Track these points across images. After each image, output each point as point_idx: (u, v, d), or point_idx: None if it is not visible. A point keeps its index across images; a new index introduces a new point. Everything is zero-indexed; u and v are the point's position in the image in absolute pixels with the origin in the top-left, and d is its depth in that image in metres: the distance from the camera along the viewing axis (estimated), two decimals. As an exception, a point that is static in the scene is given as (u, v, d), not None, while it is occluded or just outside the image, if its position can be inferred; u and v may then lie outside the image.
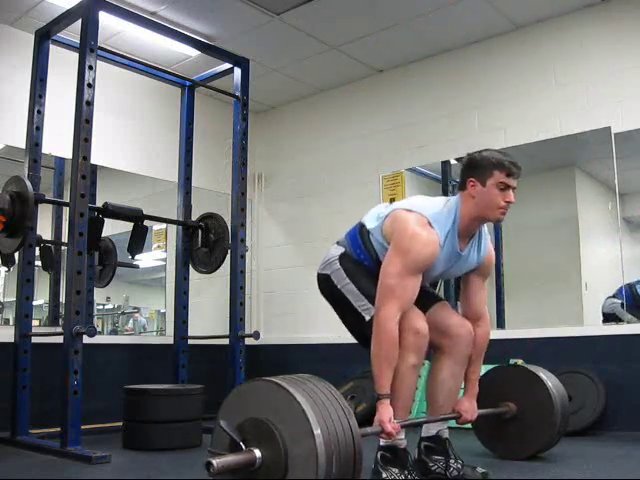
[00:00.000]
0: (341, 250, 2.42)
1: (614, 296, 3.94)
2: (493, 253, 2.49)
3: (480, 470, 2.28)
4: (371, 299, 2.25)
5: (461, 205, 2.28)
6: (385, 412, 2.12)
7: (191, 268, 4.10)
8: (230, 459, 1.68)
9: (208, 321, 4.53)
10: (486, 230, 2.44)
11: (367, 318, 2.26)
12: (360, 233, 2.40)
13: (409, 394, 2.26)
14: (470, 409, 2.44)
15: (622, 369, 3.64)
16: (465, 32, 4.42)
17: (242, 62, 3.96)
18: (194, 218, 4.10)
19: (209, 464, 1.62)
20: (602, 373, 3.64)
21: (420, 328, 2.20)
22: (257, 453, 1.69)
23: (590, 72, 4.05)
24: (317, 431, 1.61)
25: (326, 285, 2.42)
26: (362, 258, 2.37)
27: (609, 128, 3.90)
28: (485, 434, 2.86)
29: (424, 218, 2.21)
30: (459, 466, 2.29)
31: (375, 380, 2.15)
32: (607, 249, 4.06)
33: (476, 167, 2.27)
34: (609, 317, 3.93)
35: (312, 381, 1.79)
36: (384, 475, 2.19)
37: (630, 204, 3.99)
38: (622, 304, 3.85)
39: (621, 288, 3.90)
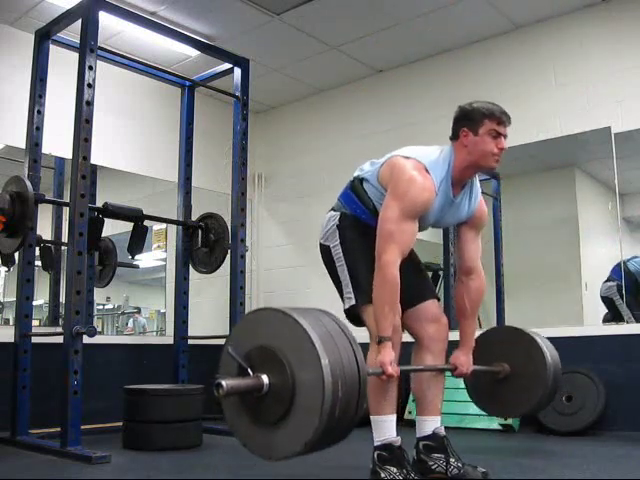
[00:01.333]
0: (337, 215, 2.42)
1: (609, 279, 3.96)
2: (485, 208, 2.51)
3: (481, 469, 2.28)
4: (356, 288, 2.30)
5: (454, 155, 2.32)
6: (387, 354, 2.15)
7: (191, 268, 4.10)
8: (239, 382, 1.74)
9: (208, 321, 4.53)
10: (478, 183, 2.47)
11: (345, 306, 2.35)
12: (352, 188, 2.44)
13: (390, 388, 2.28)
14: (466, 362, 2.45)
15: (622, 369, 3.65)
16: (465, 32, 4.43)
17: (242, 62, 3.96)
18: (194, 218, 4.10)
19: (219, 385, 1.68)
20: (602, 373, 3.63)
21: (396, 325, 2.25)
22: (265, 379, 1.75)
23: (590, 72, 4.05)
24: (325, 360, 1.64)
25: (326, 257, 2.44)
26: (358, 213, 2.39)
27: (609, 128, 3.91)
28: (479, 394, 2.83)
29: (421, 164, 2.26)
30: (460, 465, 2.29)
31: (377, 323, 2.18)
32: (607, 249, 4.06)
33: (468, 117, 2.31)
34: (606, 301, 3.94)
35: (320, 312, 1.83)
36: (383, 475, 2.19)
37: (630, 204, 3.99)
38: (618, 285, 3.85)
39: (614, 269, 3.92)
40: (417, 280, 2.48)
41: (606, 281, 3.98)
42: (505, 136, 2.31)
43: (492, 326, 3.56)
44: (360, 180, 2.43)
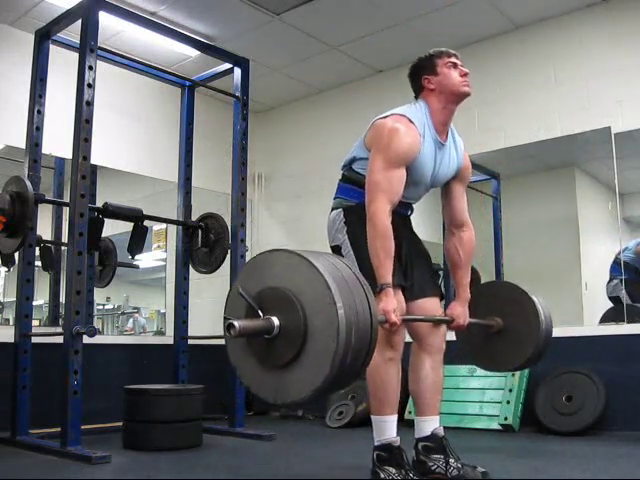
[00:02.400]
0: (340, 212, 2.41)
1: (611, 279, 3.96)
2: (469, 161, 2.56)
3: (480, 469, 2.28)
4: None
5: (427, 103, 2.37)
6: (389, 302, 2.14)
7: (191, 268, 4.10)
8: (251, 323, 1.73)
9: (208, 321, 4.53)
10: (458, 136, 2.50)
11: None
12: (344, 179, 2.45)
13: (391, 388, 2.28)
14: (462, 314, 2.45)
15: (622, 369, 3.64)
16: (465, 32, 4.42)
17: (242, 62, 3.96)
18: (194, 218, 4.10)
19: (231, 325, 1.66)
20: (602, 373, 3.63)
21: (397, 323, 2.24)
22: (276, 321, 1.73)
23: (590, 72, 4.05)
24: (340, 305, 1.63)
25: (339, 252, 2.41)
26: (356, 197, 2.38)
27: (609, 128, 3.91)
28: (471, 347, 2.81)
29: (401, 116, 2.30)
30: (459, 465, 2.29)
31: (376, 272, 2.17)
32: (607, 249, 4.06)
33: (422, 67, 2.39)
34: (614, 300, 3.93)
35: (334, 257, 1.82)
36: (382, 475, 2.19)
37: (630, 204, 4.00)
38: (621, 281, 3.85)
39: (612, 267, 3.94)
40: (422, 271, 2.46)
41: (609, 281, 3.97)
42: (462, 65, 2.38)
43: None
44: (349, 164, 2.43)
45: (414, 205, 2.53)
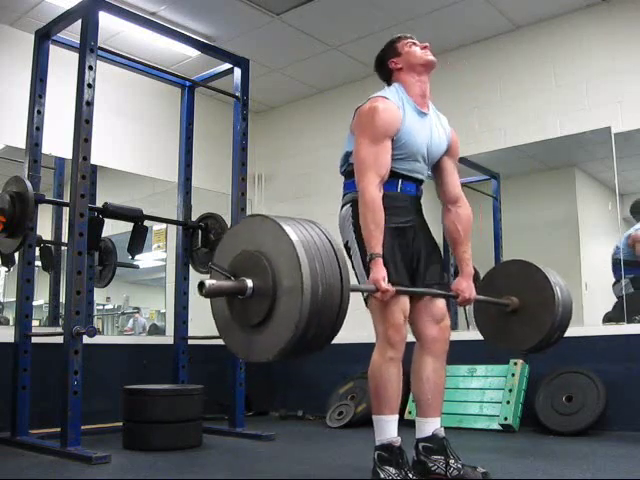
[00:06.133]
0: (348, 207, 2.42)
1: (617, 280, 3.95)
2: (456, 135, 2.60)
3: (481, 470, 2.28)
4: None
5: (399, 84, 2.48)
6: (379, 271, 2.18)
7: (191, 268, 4.10)
8: (222, 283, 1.81)
9: (208, 321, 4.52)
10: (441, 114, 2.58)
11: (364, 297, 2.34)
12: (345, 175, 2.47)
13: (392, 387, 2.28)
14: (467, 288, 2.46)
15: (622, 369, 3.65)
16: (465, 32, 4.43)
17: (242, 62, 3.96)
18: (194, 218, 4.10)
19: (202, 284, 1.74)
20: (602, 373, 3.64)
21: (400, 324, 2.27)
22: (249, 283, 1.80)
23: (590, 72, 4.05)
24: (305, 267, 1.67)
25: (347, 254, 2.38)
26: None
27: (609, 128, 3.91)
28: (488, 329, 2.82)
29: (376, 97, 2.40)
30: (459, 466, 2.29)
31: (366, 243, 2.23)
32: (607, 249, 4.06)
33: (385, 54, 2.54)
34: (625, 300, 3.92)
35: (309, 222, 1.86)
36: (382, 475, 2.19)
37: (630, 204, 3.99)
38: (628, 280, 3.86)
39: (614, 268, 3.94)
40: (430, 261, 2.44)
41: (615, 283, 3.96)
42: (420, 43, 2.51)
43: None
44: (345, 160, 2.46)
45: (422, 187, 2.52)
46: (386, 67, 2.52)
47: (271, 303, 1.74)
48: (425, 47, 2.49)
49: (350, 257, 2.37)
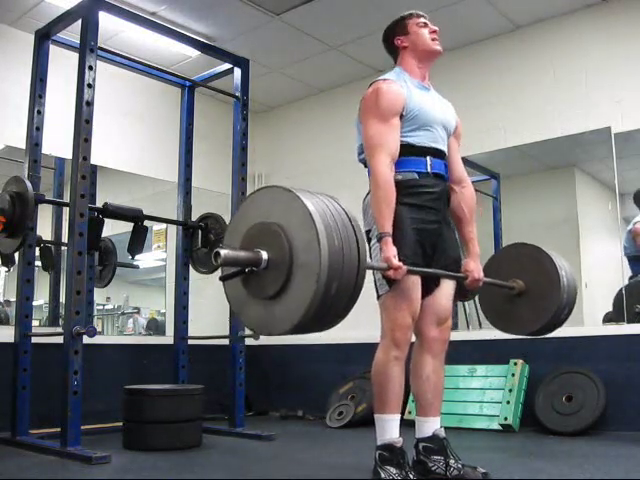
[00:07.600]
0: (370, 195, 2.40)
1: (634, 274, 3.92)
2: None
3: (481, 470, 2.28)
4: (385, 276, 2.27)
5: (402, 64, 2.50)
6: (390, 249, 2.18)
7: (191, 268, 4.10)
8: (238, 253, 1.78)
9: (208, 321, 4.53)
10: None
11: (380, 293, 2.31)
12: (366, 165, 2.44)
13: (395, 387, 2.27)
14: (476, 268, 2.45)
15: (622, 369, 3.64)
16: (465, 32, 4.42)
17: (242, 62, 3.96)
18: (194, 218, 4.10)
19: (217, 253, 1.71)
20: (602, 373, 3.63)
21: (408, 326, 2.28)
22: (264, 254, 1.77)
23: (590, 72, 4.05)
24: (324, 243, 1.65)
25: (368, 241, 2.38)
26: None
27: (609, 128, 3.91)
28: (494, 312, 2.82)
29: (379, 80, 2.41)
30: (459, 466, 2.29)
31: (377, 222, 2.24)
32: (607, 249, 4.06)
33: (393, 30, 2.54)
34: None
35: (326, 196, 1.85)
36: (382, 475, 2.19)
37: (630, 204, 4.00)
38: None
39: (631, 264, 3.91)
40: (447, 263, 2.41)
41: (631, 277, 3.93)
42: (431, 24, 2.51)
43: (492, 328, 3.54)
44: (361, 148, 2.44)
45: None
46: (392, 44, 2.53)
47: (287, 276, 1.72)
48: (434, 31, 2.49)
49: (370, 245, 2.35)
